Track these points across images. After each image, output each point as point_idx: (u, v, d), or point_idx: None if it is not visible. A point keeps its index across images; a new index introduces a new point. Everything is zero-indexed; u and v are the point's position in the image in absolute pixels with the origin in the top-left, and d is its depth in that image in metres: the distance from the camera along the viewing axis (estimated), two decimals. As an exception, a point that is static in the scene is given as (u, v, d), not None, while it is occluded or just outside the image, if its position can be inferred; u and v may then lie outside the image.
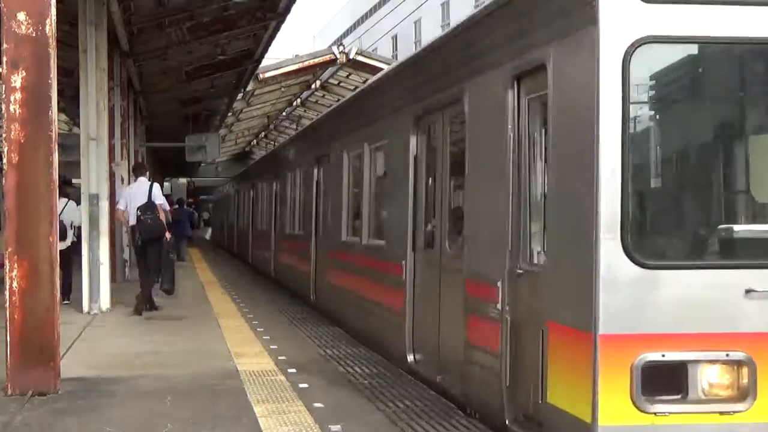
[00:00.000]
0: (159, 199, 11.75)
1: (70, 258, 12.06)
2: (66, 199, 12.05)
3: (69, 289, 12.04)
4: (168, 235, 11.98)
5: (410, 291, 7.48)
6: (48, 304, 6.59)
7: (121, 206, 12.04)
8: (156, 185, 12.03)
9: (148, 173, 12.42)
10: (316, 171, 13.00)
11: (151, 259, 11.72)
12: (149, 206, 11.44)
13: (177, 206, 25.64)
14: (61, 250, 9.14)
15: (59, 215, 11.04)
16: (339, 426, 5.66)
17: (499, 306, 5.34)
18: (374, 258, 8.98)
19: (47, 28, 6.56)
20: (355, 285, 9.86)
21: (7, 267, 6.51)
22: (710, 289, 4.34)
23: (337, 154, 11.21)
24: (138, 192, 11.74)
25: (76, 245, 12.03)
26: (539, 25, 5.03)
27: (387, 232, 8.61)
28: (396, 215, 8.10)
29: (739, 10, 4.35)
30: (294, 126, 33.86)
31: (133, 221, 11.64)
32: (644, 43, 4.29)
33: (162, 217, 11.69)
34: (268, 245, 19.03)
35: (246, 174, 28.07)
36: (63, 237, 11.44)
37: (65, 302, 11.27)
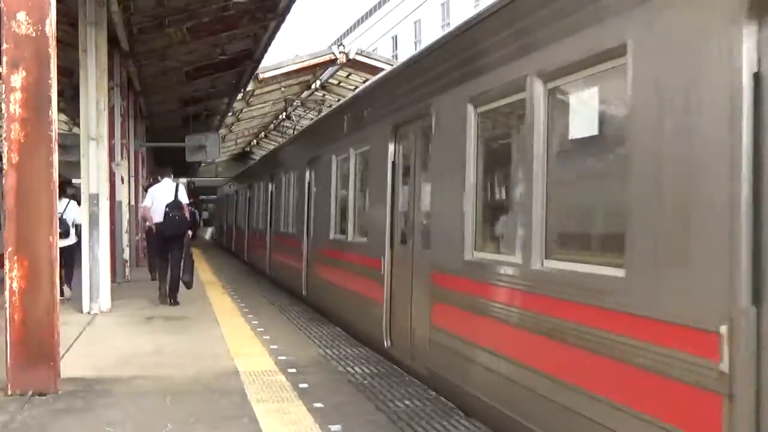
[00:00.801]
0: (184, 199, 12.58)
1: (73, 255, 12.71)
2: (67, 200, 12.88)
3: (70, 283, 12.83)
4: (190, 232, 12.91)
5: (743, 411, 3.19)
6: (48, 304, 6.58)
7: (147, 203, 12.92)
8: (181, 186, 12.75)
9: (173, 175, 13.21)
10: (392, 149, 8.38)
11: (174, 253, 12.51)
12: (176, 204, 12.35)
13: None
14: (63, 247, 10.69)
15: (62, 214, 12.26)
16: (339, 426, 5.66)
17: None
18: (591, 302, 4.32)
19: (47, 28, 6.55)
20: (507, 343, 5.38)
21: (7, 267, 6.51)
22: None
23: (444, 116, 6.72)
24: (164, 191, 12.59)
25: (78, 243, 12.47)
26: None
27: (629, 250, 3.99)
28: (652, 217, 3.80)
29: None
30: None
31: (158, 218, 12.45)
32: None
33: (187, 215, 12.63)
34: (296, 257, 14.06)
35: (262, 165, 22.96)
36: (66, 235, 12.41)
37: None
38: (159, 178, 13.50)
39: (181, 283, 12.65)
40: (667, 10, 3.75)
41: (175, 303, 12.43)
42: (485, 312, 5.80)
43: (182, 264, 12.57)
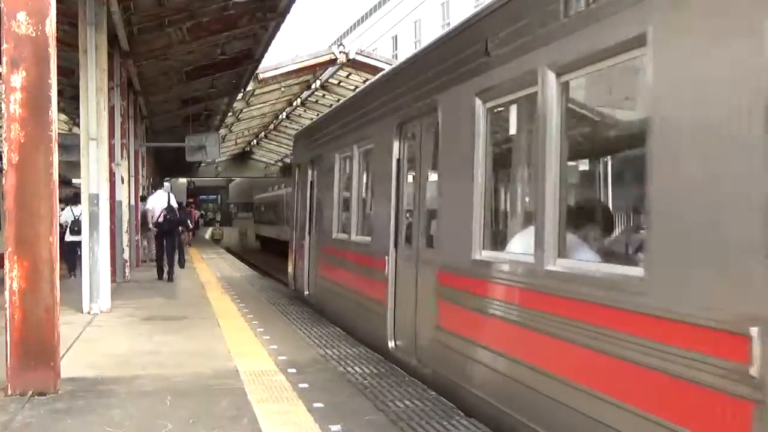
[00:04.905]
0: (174, 203, 17.26)
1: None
2: (80, 205, 14.92)
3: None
4: (190, 232, 19.25)
5: None
6: (48, 304, 6.59)
7: (149, 206, 17.66)
8: (172, 195, 17.33)
9: (166, 185, 17.82)
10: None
11: (168, 243, 17.18)
12: (171, 208, 16.95)
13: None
14: (76, 242, 14.77)
15: (78, 217, 14.97)
16: (339, 426, 5.66)
17: None
18: None
19: (47, 28, 6.56)
20: None
21: (7, 267, 6.51)
22: None
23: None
24: (161, 198, 17.12)
25: None
26: None
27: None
28: None
29: None
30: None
31: (159, 218, 16.86)
32: None
33: (180, 214, 17.79)
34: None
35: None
36: (79, 232, 14.44)
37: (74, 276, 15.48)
38: (153, 190, 18.56)
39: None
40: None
41: (171, 280, 16.75)
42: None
43: (177, 252, 17.72)
